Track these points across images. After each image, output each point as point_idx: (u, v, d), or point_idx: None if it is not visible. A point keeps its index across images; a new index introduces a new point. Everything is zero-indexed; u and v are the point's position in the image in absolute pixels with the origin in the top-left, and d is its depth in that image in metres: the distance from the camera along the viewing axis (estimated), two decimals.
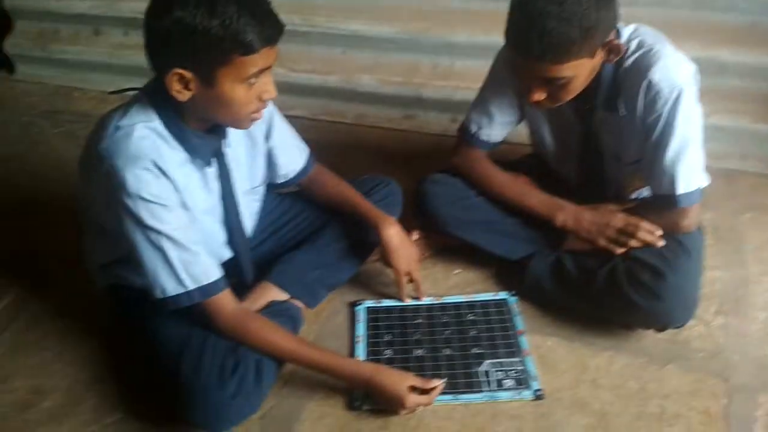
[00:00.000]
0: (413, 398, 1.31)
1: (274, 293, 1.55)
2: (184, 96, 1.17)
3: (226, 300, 1.32)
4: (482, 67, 2.33)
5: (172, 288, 1.25)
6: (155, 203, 1.20)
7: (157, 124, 1.23)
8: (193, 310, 1.30)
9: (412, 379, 1.33)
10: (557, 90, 1.33)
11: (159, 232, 1.21)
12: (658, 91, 1.34)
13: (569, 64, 1.26)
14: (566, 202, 1.56)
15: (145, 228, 1.21)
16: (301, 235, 1.66)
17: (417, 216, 1.73)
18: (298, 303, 1.59)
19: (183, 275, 1.25)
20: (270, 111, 1.46)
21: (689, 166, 1.39)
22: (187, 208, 1.28)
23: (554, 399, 1.41)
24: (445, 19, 2.36)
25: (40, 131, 2.66)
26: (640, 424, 1.35)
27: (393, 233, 1.55)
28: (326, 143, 2.13)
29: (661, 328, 1.49)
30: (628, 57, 1.37)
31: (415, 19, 2.39)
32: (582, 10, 1.20)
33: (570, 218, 1.54)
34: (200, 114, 1.25)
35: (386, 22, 2.42)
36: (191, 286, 1.26)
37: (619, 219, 1.49)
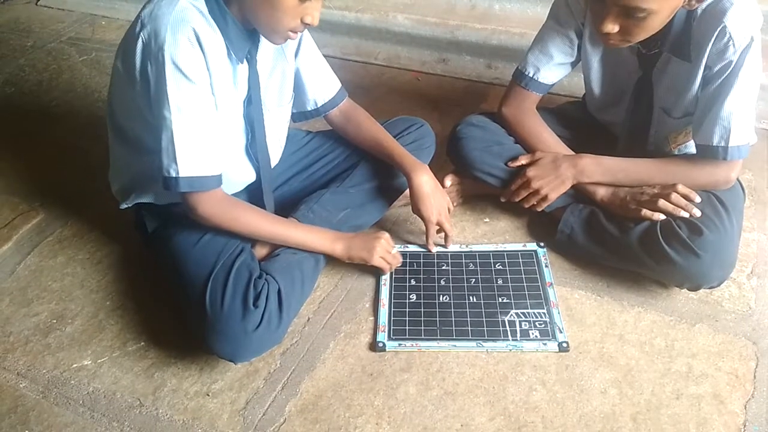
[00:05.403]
0: (385, 244, 1.49)
1: None
2: None
3: (211, 196, 1.30)
4: (523, 10, 2.27)
5: (171, 169, 1.23)
6: (184, 76, 1.18)
7: (201, 4, 1.22)
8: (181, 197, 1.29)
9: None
10: (633, 25, 1.25)
11: (175, 108, 1.19)
12: (732, 38, 1.28)
13: None
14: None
15: (165, 99, 1.18)
16: (329, 174, 1.64)
17: (450, 159, 1.69)
18: None
19: (181, 159, 1.22)
20: (303, 32, 1.43)
21: (744, 118, 1.34)
22: (214, 93, 1.27)
23: (579, 352, 1.39)
24: None
25: (66, 58, 2.64)
26: (665, 381, 1.33)
27: (424, 181, 1.51)
28: (356, 84, 2.08)
29: (695, 287, 1.45)
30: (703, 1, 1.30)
31: None
32: None
33: (608, 194, 1.52)
34: (245, 8, 1.23)
35: None
36: (183, 173, 1.23)
37: (656, 187, 1.46)
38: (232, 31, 1.25)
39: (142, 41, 1.18)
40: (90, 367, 1.40)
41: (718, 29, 1.29)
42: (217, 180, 1.29)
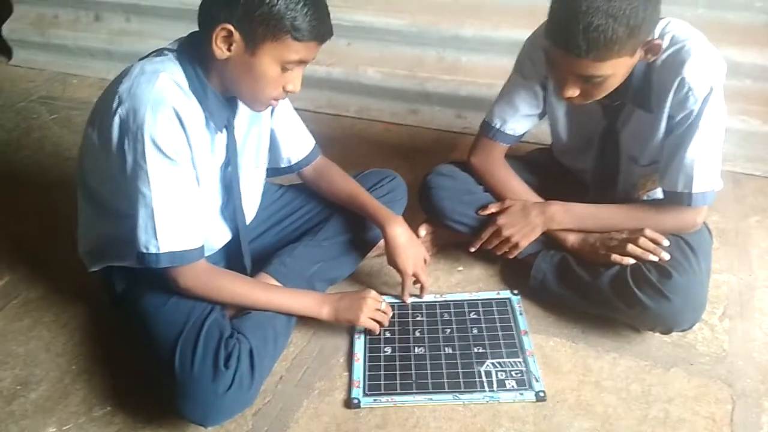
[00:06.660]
0: (373, 303, 1.46)
1: None
2: (222, 54, 1.17)
3: (194, 268, 1.30)
4: (489, 61, 2.32)
5: (150, 245, 1.23)
6: (166, 156, 1.18)
7: (181, 78, 1.22)
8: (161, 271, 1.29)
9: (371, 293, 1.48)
10: (592, 87, 1.28)
11: (156, 187, 1.19)
12: (691, 88, 1.30)
13: (610, 63, 1.21)
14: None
15: (146, 177, 1.18)
16: (302, 228, 1.63)
17: (422, 209, 1.70)
18: None
19: (161, 235, 1.22)
20: None
21: (708, 166, 1.37)
22: (195, 167, 1.27)
23: (557, 401, 1.38)
24: (453, 11, 2.34)
25: (36, 117, 2.63)
26: (644, 428, 1.32)
27: (399, 233, 1.51)
28: (329, 136, 2.09)
29: (667, 331, 1.46)
30: (662, 52, 1.33)
31: (423, 11, 2.37)
32: (630, 8, 1.15)
33: (578, 240, 1.53)
34: (226, 80, 1.24)
35: (393, 14, 2.39)
36: (164, 249, 1.23)
37: (624, 232, 1.48)
38: (212, 103, 1.25)
39: (120, 117, 1.17)
40: None
41: (677, 80, 1.31)
42: (199, 252, 1.29)
